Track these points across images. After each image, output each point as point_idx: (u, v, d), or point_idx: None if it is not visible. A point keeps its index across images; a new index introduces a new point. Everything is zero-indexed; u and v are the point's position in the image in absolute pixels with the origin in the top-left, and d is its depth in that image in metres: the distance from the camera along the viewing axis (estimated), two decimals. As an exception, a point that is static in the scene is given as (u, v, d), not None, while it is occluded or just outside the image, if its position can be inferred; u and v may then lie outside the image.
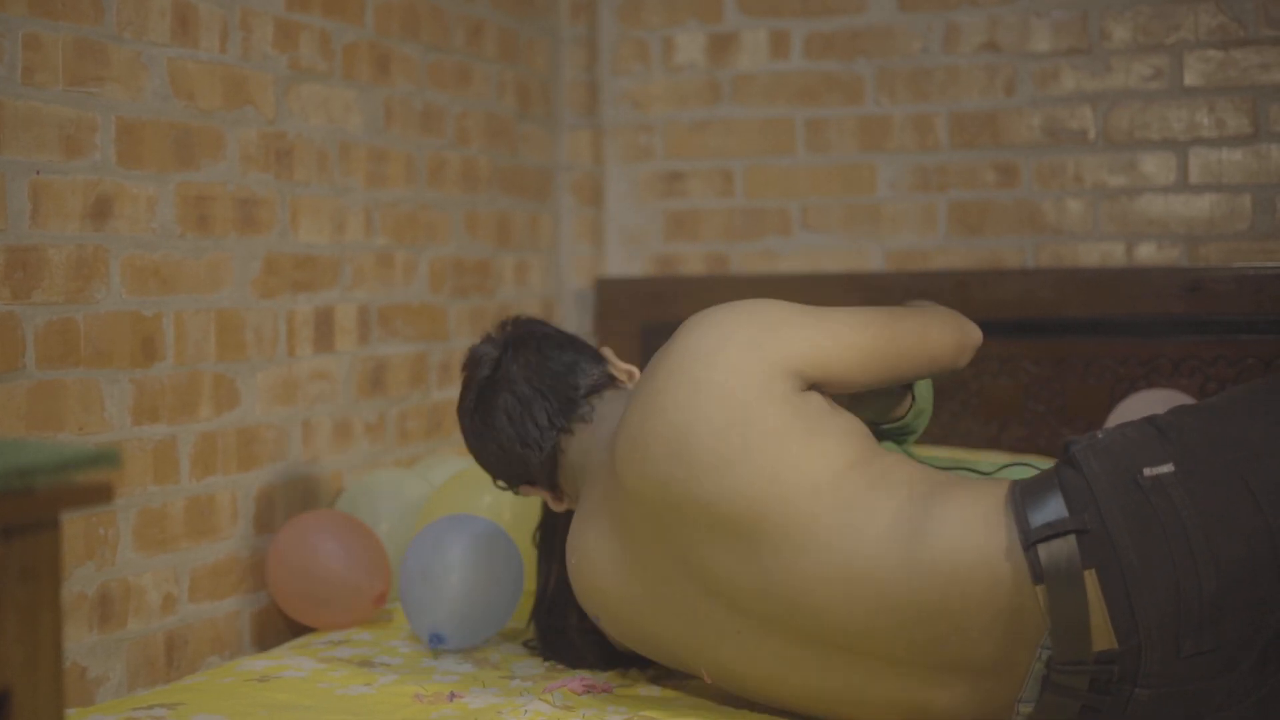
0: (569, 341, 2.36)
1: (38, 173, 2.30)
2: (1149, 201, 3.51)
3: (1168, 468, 1.77)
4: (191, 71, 2.63)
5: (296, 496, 2.89)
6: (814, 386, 1.99)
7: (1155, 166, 3.50)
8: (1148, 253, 3.51)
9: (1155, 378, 3.37)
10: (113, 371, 2.45)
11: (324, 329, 2.99)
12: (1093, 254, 3.56)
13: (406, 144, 3.28)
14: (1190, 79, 3.46)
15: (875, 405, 2.18)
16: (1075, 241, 3.57)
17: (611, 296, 3.88)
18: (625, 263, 3.99)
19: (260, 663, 2.40)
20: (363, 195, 3.12)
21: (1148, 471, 1.77)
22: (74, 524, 2.37)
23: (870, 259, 3.76)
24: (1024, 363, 3.50)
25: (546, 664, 2.39)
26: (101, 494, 1.30)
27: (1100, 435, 1.85)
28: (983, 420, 3.50)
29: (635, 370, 2.33)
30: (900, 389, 2.20)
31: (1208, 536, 1.73)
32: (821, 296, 3.68)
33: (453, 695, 2.18)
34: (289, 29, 2.88)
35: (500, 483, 2.37)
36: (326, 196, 3.00)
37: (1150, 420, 1.87)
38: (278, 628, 2.85)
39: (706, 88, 3.91)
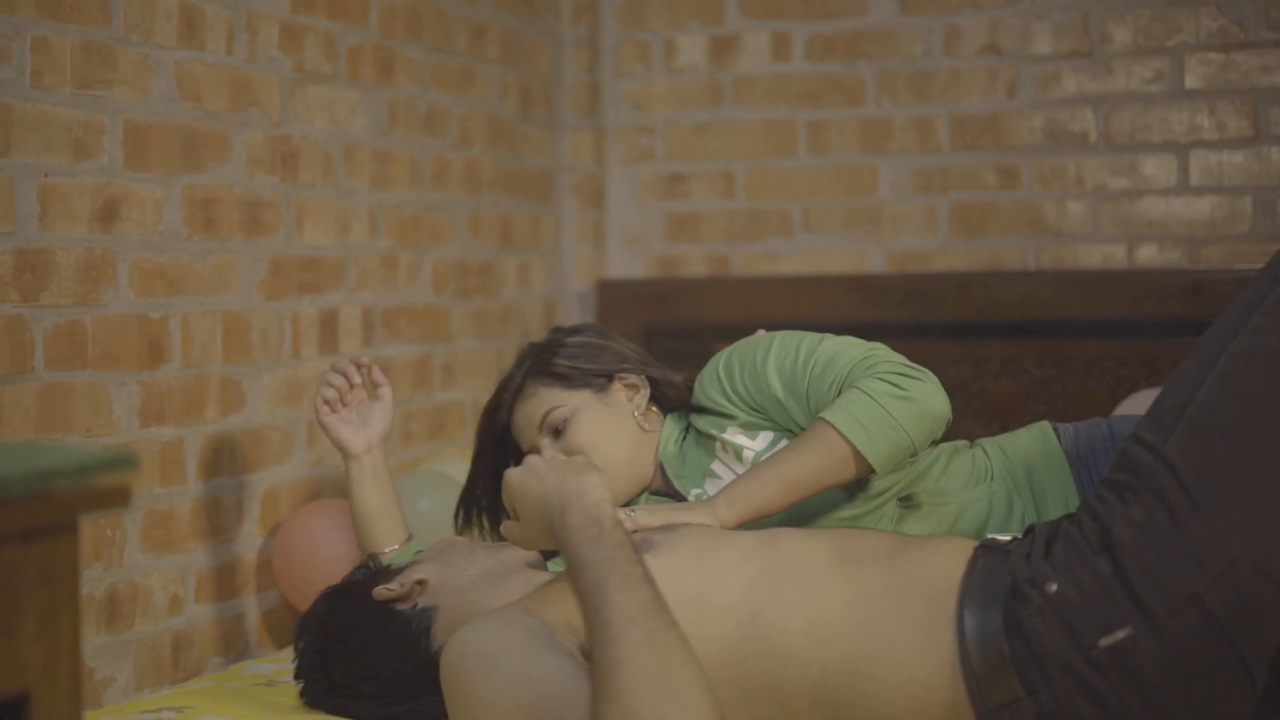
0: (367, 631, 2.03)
1: (46, 175, 2.31)
2: (1150, 203, 3.52)
3: (1124, 633, 1.65)
4: (198, 74, 2.63)
5: (302, 498, 2.90)
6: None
7: (1156, 168, 3.51)
8: (1149, 254, 3.52)
9: (1156, 379, 3.38)
10: (120, 374, 2.46)
11: (328, 331, 2.99)
12: (1094, 255, 3.57)
13: (410, 145, 3.29)
14: (1191, 81, 3.47)
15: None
16: (1076, 243, 3.58)
17: (613, 298, 3.89)
18: (627, 264, 3.99)
19: (268, 666, 2.41)
20: (367, 197, 3.13)
21: (1103, 643, 1.65)
22: (81, 525, 2.37)
23: (871, 261, 3.77)
24: (1025, 364, 3.51)
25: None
26: (120, 497, 1.30)
27: (1053, 588, 1.69)
28: (984, 421, 3.51)
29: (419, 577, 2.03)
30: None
31: (1177, 694, 1.65)
32: (823, 298, 3.71)
33: None
34: (294, 31, 2.89)
35: None
36: (331, 198, 3.00)
37: (1103, 536, 1.69)
38: (284, 629, 2.85)
39: (708, 89, 3.91)
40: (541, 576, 1.99)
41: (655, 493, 2.41)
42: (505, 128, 3.71)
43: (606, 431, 2.32)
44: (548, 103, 3.95)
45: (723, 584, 1.80)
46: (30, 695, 1.24)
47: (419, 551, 2.14)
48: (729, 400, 2.31)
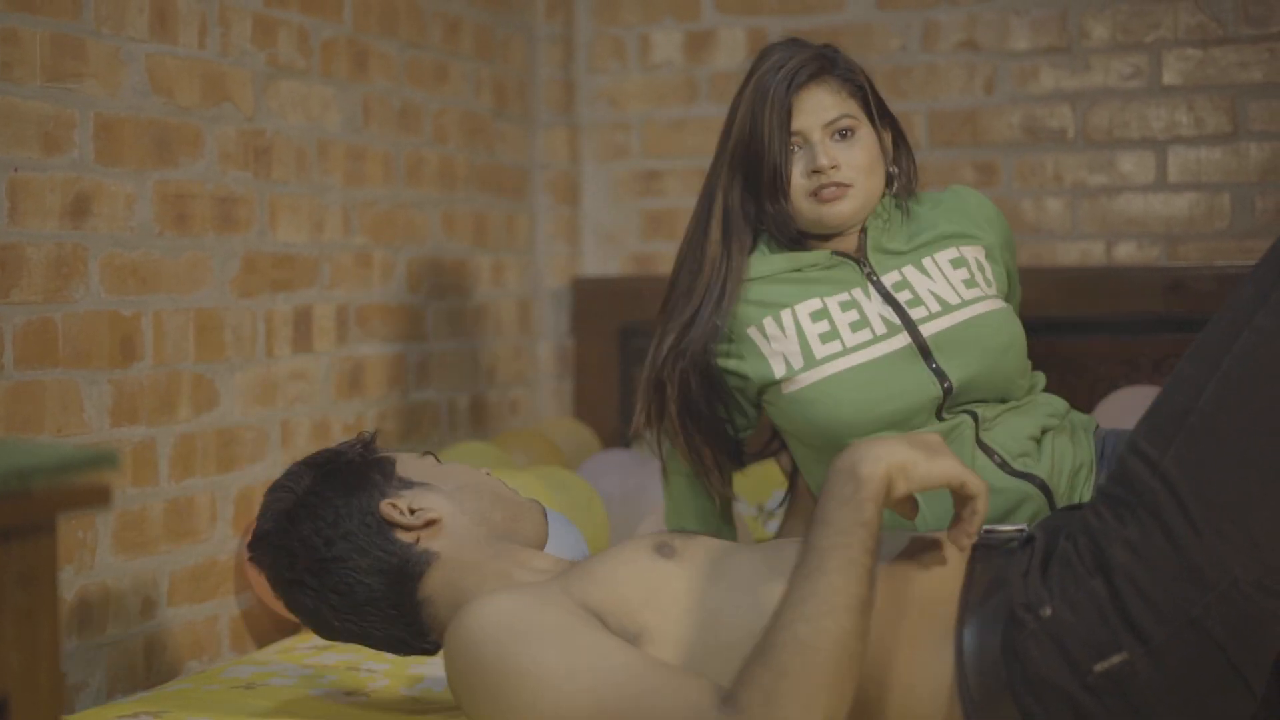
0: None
1: (16, 170, 2.26)
2: (1128, 200, 3.51)
3: (1120, 658, 1.58)
4: (170, 68, 2.58)
5: (276, 499, 2.85)
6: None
7: (1134, 165, 3.50)
8: (1127, 252, 3.51)
9: (1136, 377, 3.37)
10: (91, 372, 2.41)
11: (302, 329, 2.95)
12: (1072, 253, 3.56)
13: (384, 142, 3.24)
14: (1169, 78, 3.46)
15: None
16: (1055, 241, 3.57)
17: (588, 296, 3.86)
18: (602, 262, 3.96)
19: (246, 669, 2.36)
20: (341, 194, 3.08)
21: (1098, 668, 1.58)
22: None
23: (849, 258, 3.74)
24: (1004, 362, 3.48)
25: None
26: (100, 496, 1.26)
27: (1047, 612, 1.62)
28: (963, 419, 3.49)
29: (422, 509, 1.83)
30: None
31: (1173, 714, 1.59)
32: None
33: None
34: (267, 25, 2.84)
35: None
36: (305, 195, 2.96)
37: (1098, 557, 1.61)
38: (256, 632, 2.81)
39: (684, 86, 3.88)
40: (543, 560, 1.84)
41: (838, 253, 2.26)
42: (480, 124, 3.67)
43: (876, 164, 2.22)
44: (522, 99, 3.91)
45: (735, 598, 1.72)
46: (9, 701, 1.20)
47: (427, 454, 1.93)
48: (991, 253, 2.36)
